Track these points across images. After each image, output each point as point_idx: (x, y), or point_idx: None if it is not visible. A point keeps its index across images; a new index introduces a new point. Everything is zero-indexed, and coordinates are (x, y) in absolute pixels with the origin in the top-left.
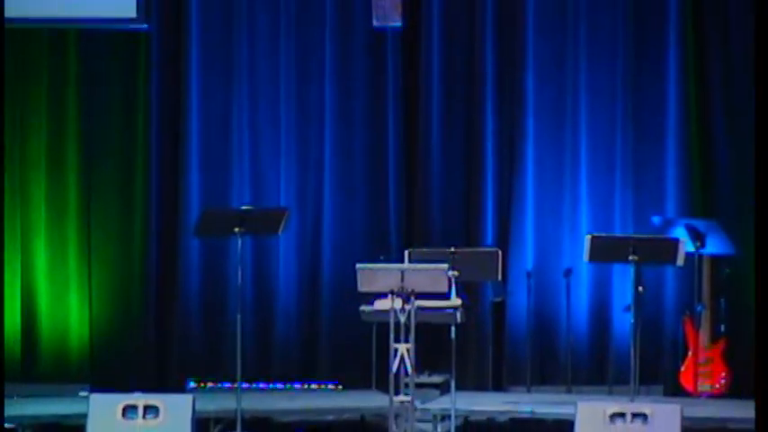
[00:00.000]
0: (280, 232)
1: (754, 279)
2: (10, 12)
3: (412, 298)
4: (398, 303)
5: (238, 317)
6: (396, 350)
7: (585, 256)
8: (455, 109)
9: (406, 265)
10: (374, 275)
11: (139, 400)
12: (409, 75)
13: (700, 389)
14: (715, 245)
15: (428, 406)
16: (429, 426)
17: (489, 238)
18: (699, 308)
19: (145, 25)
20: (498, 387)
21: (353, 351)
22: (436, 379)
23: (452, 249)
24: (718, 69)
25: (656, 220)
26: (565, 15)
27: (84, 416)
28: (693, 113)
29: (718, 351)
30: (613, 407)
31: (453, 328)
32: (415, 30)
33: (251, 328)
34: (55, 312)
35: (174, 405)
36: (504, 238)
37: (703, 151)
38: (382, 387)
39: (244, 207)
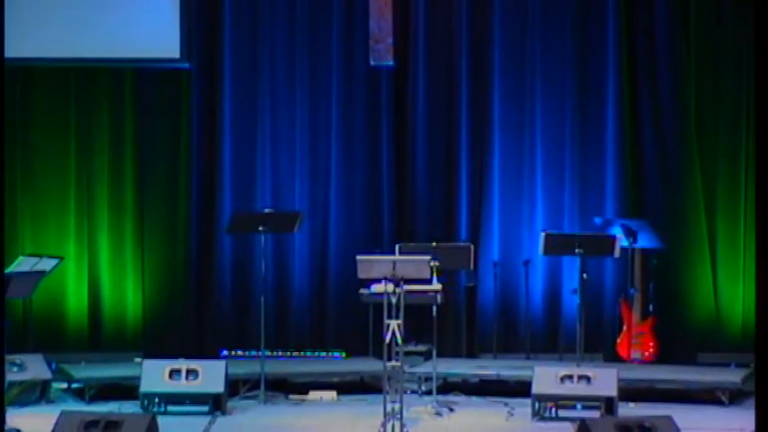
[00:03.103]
0: (295, 231)
1: (755, 278)
2: (75, 52)
3: (401, 283)
4: (390, 287)
5: (262, 299)
6: (388, 325)
7: (540, 250)
8: (436, 131)
9: (396, 256)
10: (371, 265)
11: (183, 365)
12: (400, 104)
13: (632, 356)
14: (645, 240)
15: (414, 370)
16: (415, 385)
17: (463, 234)
18: (632, 291)
19: (186, 64)
20: (471, 354)
21: (354, 326)
22: (421, 348)
23: (434, 244)
24: (648, 101)
25: (597, 220)
26: (524, 56)
27: (138, 378)
28: (628, 135)
29: (648, 326)
30: (563, 370)
31: (434, 308)
32: (405, 68)
33: (272, 308)
34: (115, 294)
35: (210, 369)
36: (476, 235)
37: (636, 165)
38: (378, 355)
39: (266, 210)
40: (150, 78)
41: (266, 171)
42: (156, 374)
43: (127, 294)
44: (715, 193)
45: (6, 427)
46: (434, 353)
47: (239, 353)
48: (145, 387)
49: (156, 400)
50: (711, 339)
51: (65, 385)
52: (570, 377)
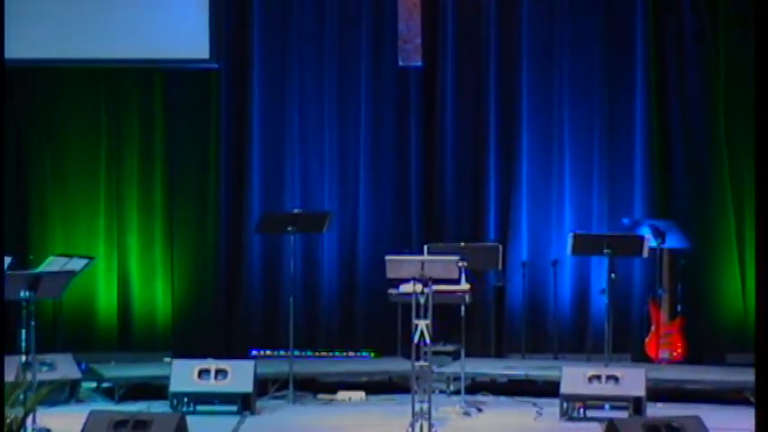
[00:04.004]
0: (324, 231)
1: (755, 278)
2: (105, 53)
3: (430, 283)
4: (419, 287)
5: (291, 299)
6: (417, 325)
7: (569, 250)
8: (464, 131)
9: (425, 256)
10: (399, 265)
11: (212, 364)
12: (428, 104)
13: (660, 356)
14: (673, 241)
15: (443, 370)
16: (443, 385)
17: (492, 234)
18: (660, 292)
19: (216, 65)
20: (499, 354)
21: (383, 326)
22: (449, 348)
23: (462, 244)
24: (676, 104)
25: (625, 220)
26: (552, 54)
27: (167, 377)
28: (656, 136)
29: (676, 326)
30: (591, 370)
31: (463, 308)
32: (433, 68)
33: (301, 308)
34: (144, 294)
35: (239, 369)
36: (504, 235)
37: (664, 166)
38: (406, 354)
39: (295, 210)
40: (179, 79)
41: (295, 171)
42: (185, 374)
43: (156, 294)
44: (743, 194)
45: (36, 427)
46: (463, 353)
47: (268, 353)
48: (174, 387)
49: (186, 399)
50: (740, 339)
51: (94, 385)
52: (598, 377)
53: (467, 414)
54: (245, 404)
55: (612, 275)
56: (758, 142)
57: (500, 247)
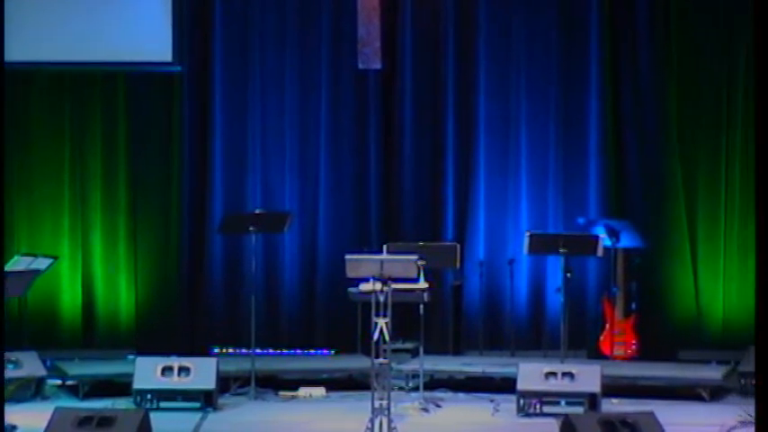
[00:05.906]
0: (285, 231)
1: (754, 279)
2: (70, 56)
3: (389, 282)
4: (378, 286)
5: (252, 297)
6: (376, 323)
7: (525, 249)
8: (423, 132)
9: (384, 256)
10: (359, 264)
11: (175, 362)
12: (387, 106)
13: (615, 353)
14: (627, 240)
15: (402, 367)
16: (402, 382)
17: (450, 234)
18: (614, 290)
19: (178, 67)
20: (457, 351)
21: (343, 324)
22: (408, 345)
23: (421, 243)
24: (630, 104)
25: (580, 220)
26: (509, 58)
27: (131, 375)
28: (610, 137)
29: (630, 324)
30: (547, 367)
31: (421, 306)
32: (392, 71)
33: (262, 307)
34: (108, 292)
35: (202, 366)
36: (462, 235)
37: (618, 166)
38: (366, 352)
39: (257, 211)
40: (142, 81)
41: (256, 172)
42: (148, 371)
43: (120, 293)
44: (695, 194)
45: None
46: (421, 350)
47: (230, 350)
48: (138, 384)
49: (149, 396)
50: (692, 337)
51: (59, 382)
52: (554, 374)
53: (425, 410)
54: (207, 401)
55: (568, 274)
56: (758, 143)
57: (458, 246)
